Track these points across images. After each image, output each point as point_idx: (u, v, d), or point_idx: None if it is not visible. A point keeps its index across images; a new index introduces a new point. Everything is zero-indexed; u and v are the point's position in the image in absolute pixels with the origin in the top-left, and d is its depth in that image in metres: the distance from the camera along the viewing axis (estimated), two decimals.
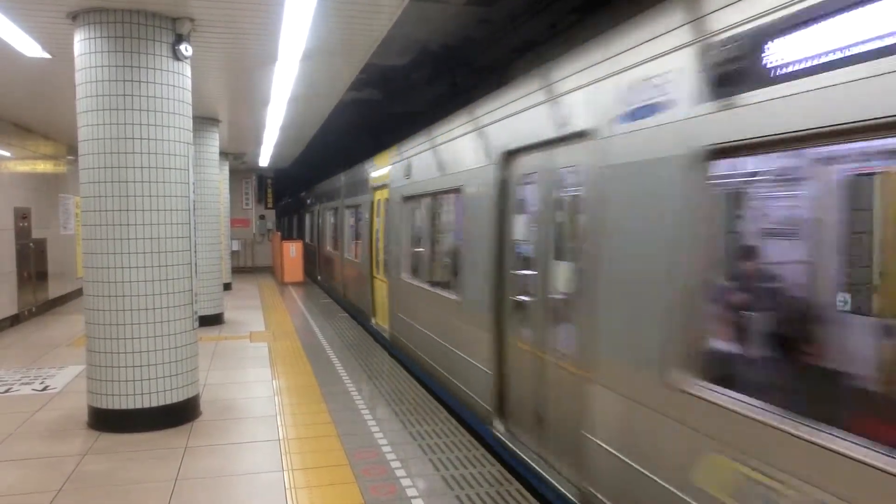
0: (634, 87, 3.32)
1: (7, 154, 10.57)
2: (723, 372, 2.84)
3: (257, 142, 14.19)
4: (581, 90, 3.88)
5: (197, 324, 5.84)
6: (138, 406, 5.34)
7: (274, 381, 7.02)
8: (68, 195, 13.61)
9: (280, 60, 6.72)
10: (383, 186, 9.55)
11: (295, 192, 27.36)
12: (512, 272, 4.99)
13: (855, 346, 2.48)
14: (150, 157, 5.29)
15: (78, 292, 13.85)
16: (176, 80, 5.44)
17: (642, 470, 3.19)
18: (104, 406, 5.37)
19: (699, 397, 2.77)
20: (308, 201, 20.65)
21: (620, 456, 3.37)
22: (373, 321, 10.42)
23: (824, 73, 2.24)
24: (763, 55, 2.50)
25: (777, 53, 2.44)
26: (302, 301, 14.21)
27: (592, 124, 3.71)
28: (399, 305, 8.55)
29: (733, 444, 2.58)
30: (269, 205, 23.65)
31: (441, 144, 6.82)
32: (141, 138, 5.25)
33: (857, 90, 2.12)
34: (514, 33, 9.57)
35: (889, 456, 1.97)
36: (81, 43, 5.26)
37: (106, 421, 5.38)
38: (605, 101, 3.59)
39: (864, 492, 2.02)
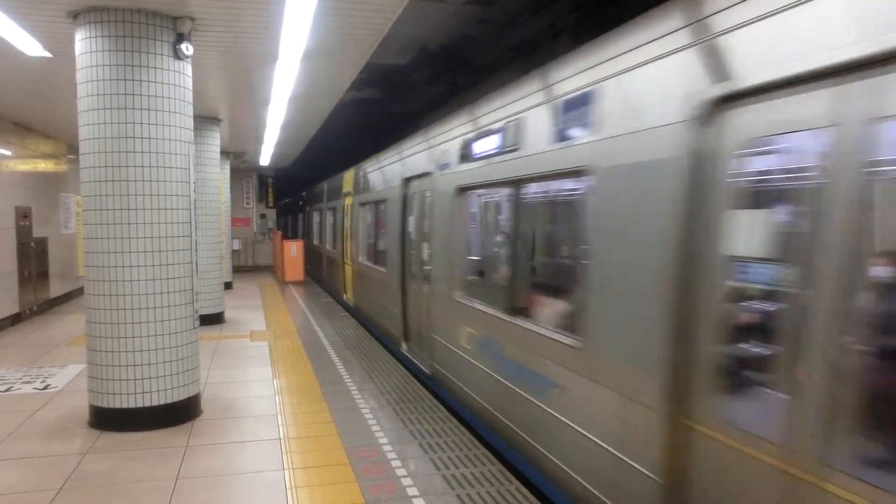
0: (442, 154, 6.67)
1: (8, 153, 10.58)
2: (469, 291, 6.05)
3: (258, 141, 14.20)
4: (427, 150, 7.33)
5: (198, 323, 5.85)
6: (139, 405, 5.35)
7: (274, 380, 7.02)
8: (69, 194, 13.61)
9: (281, 59, 6.72)
10: (349, 194, 12.75)
11: (295, 192, 27.46)
12: (408, 251, 8.13)
13: (504, 277, 5.34)
14: (150, 156, 5.29)
15: (79, 291, 13.87)
16: (177, 79, 5.45)
17: (447, 344, 6.41)
18: (105, 405, 5.38)
19: (460, 303, 6.01)
20: (300, 203, 23.89)
21: (441, 340, 6.62)
22: (344, 297, 13.46)
23: (484, 159, 5.41)
24: (471, 148, 5.78)
25: (473, 149, 5.72)
26: (303, 300, 14.22)
27: (431, 169, 7.05)
28: (357, 280, 12.02)
29: (468, 320, 5.80)
30: (270, 204, 23.65)
31: (377, 169, 10.22)
32: (142, 137, 5.26)
33: (489, 168, 5.26)
34: (514, 33, 9.56)
35: (508, 317, 4.92)
36: (82, 42, 5.26)
37: (107, 420, 5.38)
38: (435, 158, 6.95)
39: (496, 331, 5.08)
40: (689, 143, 2.94)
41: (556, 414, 4.09)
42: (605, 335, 3.57)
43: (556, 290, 4.70)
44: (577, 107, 3.94)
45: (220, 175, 11.91)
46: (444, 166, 6.56)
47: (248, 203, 22.57)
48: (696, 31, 2.97)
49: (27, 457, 4.85)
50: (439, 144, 6.81)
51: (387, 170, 9.46)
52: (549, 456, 4.20)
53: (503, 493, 4.17)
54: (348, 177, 12.82)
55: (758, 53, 2.62)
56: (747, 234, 2.82)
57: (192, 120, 5.69)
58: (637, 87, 3.41)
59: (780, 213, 2.75)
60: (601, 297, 3.62)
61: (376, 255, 10.46)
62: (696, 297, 2.92)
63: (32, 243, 11.41)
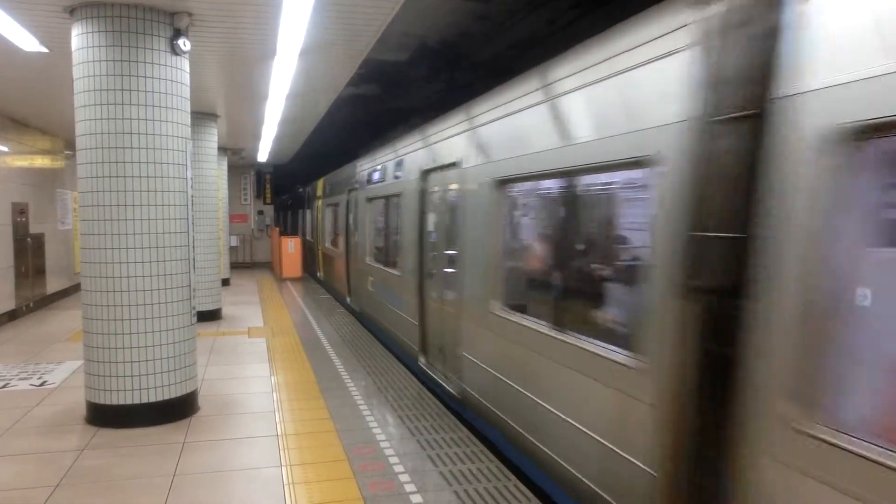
0: (362, 177, 10.92)
1: (4, 149, 10.53)
2: (373, 258, 10.23)
3: (256, 137, 14.16)
4: (357, 173, 11.35)
5: (195, 319, 5.84)
6: (136, 401, 5.34)
7: (272, 377, 7.02)
8: (66, 190, 13.57)
9: (279, 55, 6.70)
10: (319, 197, 16.91)
11: (293, 189, 27.49)
12: (350, 237, 11.92)
13: (382, 248, 10.16)
14: (148, 151, 5.27)
15: (76, 287, 13.83)
16: (174, 74, 5.43)
17: (365, 289, 10.51)
18: (102, 401, 5.37)
19: (369, 264, 10.26)
20: (289, 202, 28.83)
21: (362, 288, 10.76)
22: (318, 274, 17.47)
23: (376, 184, 9.75)
24: (370, 178, 10.24)
25: (369, 179, 10.37)
26: (300, 296, 14.21)
27: (357, 186, 11.28)
28: (324, 260, 16.16)
29: (372, 275, 10.01)
30: (268, 200, 23.59)
31: (335, 181, 14.45)
32: (139, 133, 5.24)
33: (376, 188, 9.80)
34: (512, 29, 9.54)
35: (383, 267, 9.44)
36: (79, 37, 5.24)
37: (104, 416, 5.37)
38: (359, 179, 11.16)
39: (379, 276, 9.62)
40: (420, 186, 7.13)
41: (399, 312, 8.20)
42: (405, 269, 7.91)
43: (397, 252, 8.64)
44: (400, 165, 8.25)
45: (217, 171, 11.88)
46: (363, 185, 10.82)
47: (245, 199, 22.52)
48: (422, 141, 7.19)
49: (23, 453, 4.84)
50: (360, 172, 11.12)
51: (340, 182, 13.59)
52: (393, 330, 8.61)
53: (500, 489, 4.18)
54: (319, 184, 17.17)
55: (430, 157, 6.83)
56: (431, 221, 6.89)
57: (189, 116, 5.67)
58: (410, 159, 7.69)
59: (432, 214, 6.91)
60: (403, 253, 8.05)
61: (333, 241, 14.76)
62: (423, 246, 7.09)
63: (29, 239, 11.37)
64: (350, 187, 11.93)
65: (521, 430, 4.55)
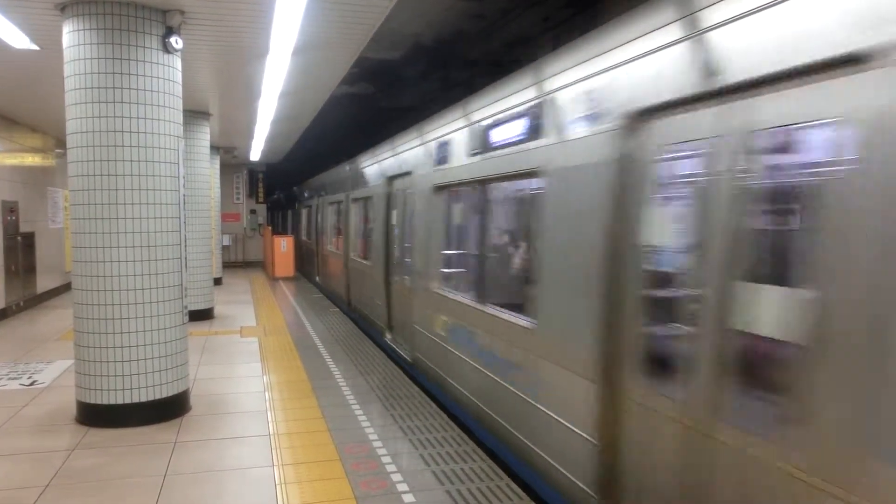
0: (307, 195, 19.62)
1: None
2: (319, 242, 16.74)
3: (249, 136, 14.12)
4: (308, 190, 19.49)
5: (187, 318, 5.82)
6: (127, 401, 5.32)
7: (264, 376, 7.00)
8: (57, 188, 13.49)
9: (272, 53, 6.68)
10: (309, 199, 20.15)
11: (287, 187, 27.58)
12: (307, 232, 19.30)
13: (320, 236, 16.95)
14: (139, 150, 5.25)
15: (66, 287, 13.76)
16: (166, 72, 5.40)
17: (319, 266, 16.57)
18: (93, 401, 5.34)
19: (314, 245, 17.84)
20: (282, 204, 32.17)
21: (320, 265, 16.41)
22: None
23: (310, 199, 18.48)
24: (304, 195, 20.02)
25: (309, 193, 18.94)
26: (293, 296, 14.17)
27: (307, 200, 19.47)
28: (315, 257, 20.15)
29: (324, 254, 15.80)
30: (261, 199, 23.51)
31: (296, 194, 22.24)
32: (130, 131, 5.21)
33: (313, 202, 17.88)
34: (507, 27, 9.55)
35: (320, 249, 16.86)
36: (70, 35, 5.21)
37: (95, 416, 5.35)
38: (309, 194, 19.19)
39: (329, 257, 15.51)
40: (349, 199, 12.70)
41: (345, 277, 12.50)
42: (353, 249, 11.83)
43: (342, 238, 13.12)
44: (332, 184, 14.70)
45: (210, 170, 11.84)
46: (307, 199, 18.19)
47: (238, 198, 22.43)
48: (352, 165, 12.48)
49: (13, 453, 4.80)
50: (303, 192, 19.24)
51: (298, 195, 21.00)
52: (337, 290, 13.34)
53: (493, 488, 4.18)
54: (295, 190, 23.29)
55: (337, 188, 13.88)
56: (327, 218, 15.26)
57: (181, 114, 5.64)
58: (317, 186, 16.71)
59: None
60: (349, 238, 12.31)
61: (299, 234, 21.10)
62: (316, 228, 16.75)
63: (19, 238, 11.29)
64: (303, 202, 19.67)
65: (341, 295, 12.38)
